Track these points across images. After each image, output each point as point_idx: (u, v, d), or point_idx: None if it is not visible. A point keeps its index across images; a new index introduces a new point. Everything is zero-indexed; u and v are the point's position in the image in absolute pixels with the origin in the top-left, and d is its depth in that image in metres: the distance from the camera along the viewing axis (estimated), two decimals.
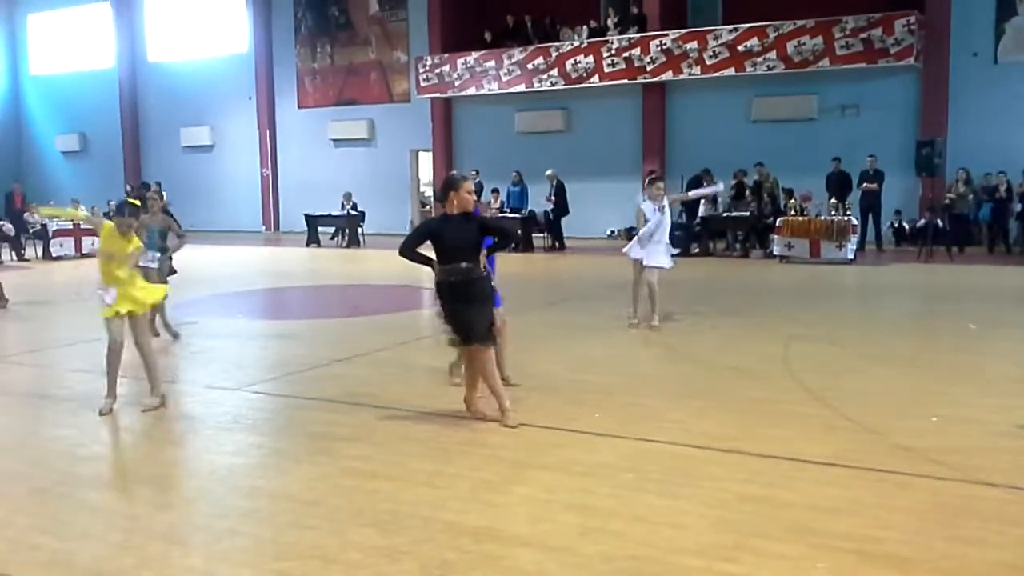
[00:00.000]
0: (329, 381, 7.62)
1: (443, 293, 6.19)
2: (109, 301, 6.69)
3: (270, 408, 6.93)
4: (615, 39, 21.59)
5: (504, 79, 22.81)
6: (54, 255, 19.71)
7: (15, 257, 19.80)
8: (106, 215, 18.89)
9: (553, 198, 20.17)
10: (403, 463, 5.35)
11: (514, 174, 20.78)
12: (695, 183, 19.68)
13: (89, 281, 12.93)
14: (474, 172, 21.46)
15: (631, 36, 21.52)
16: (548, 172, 20.23)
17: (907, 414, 6.26)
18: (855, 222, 16.71)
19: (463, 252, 6.07)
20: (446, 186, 6.27)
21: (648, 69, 21.10)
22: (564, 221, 20.45)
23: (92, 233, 20.96)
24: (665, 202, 9.76)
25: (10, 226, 19.26)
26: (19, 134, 32.02)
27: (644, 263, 9.86)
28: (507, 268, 12.28)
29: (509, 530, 4.31)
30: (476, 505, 4.64)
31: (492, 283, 6.45)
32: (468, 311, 6.10)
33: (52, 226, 19.96)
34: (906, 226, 19.08)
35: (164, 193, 17.41)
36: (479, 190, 21.07)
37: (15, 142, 31.79)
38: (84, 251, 19.53)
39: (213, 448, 6.03)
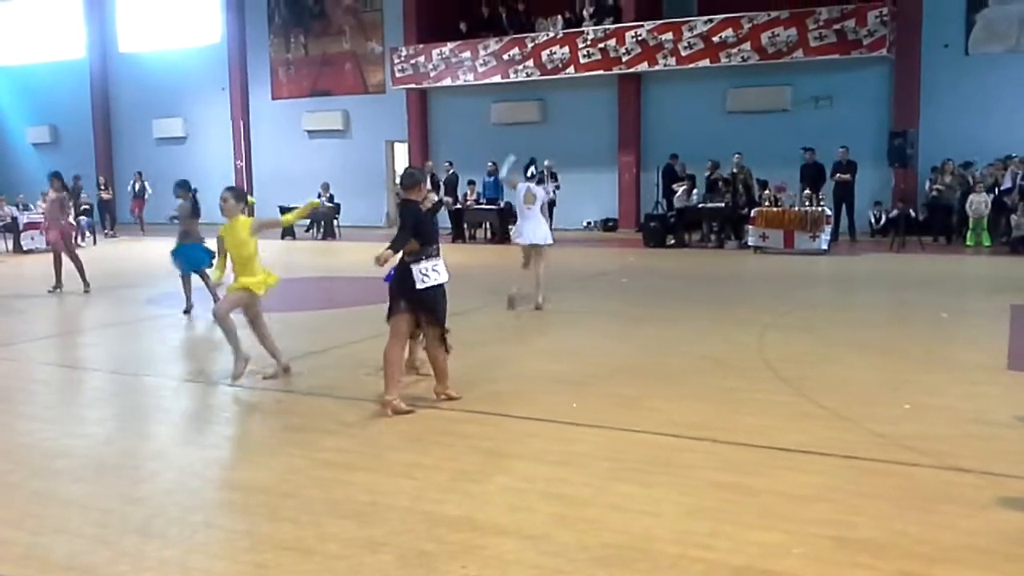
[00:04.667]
0: (304, 374, 7.58)
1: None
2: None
3: (245, 401, 6.90)
4: (590, 30, 21.58)
5: (480, 70, 22.74)
6: (25, 248, 19.48)
7: None
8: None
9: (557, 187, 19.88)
10: (380, 455, 5.34)
11: (490, 165, 20.71)
12: (668, 172, 19.79)
13: (64, 275, 12.81)
14: (447, 164, 21.42)
15: (606, 27, 21.51)
16: (547, 162, 19.93)
17: (880, 402, 6.32)
18: (829, 213, 16.83)
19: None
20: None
21: (623, 60, 21.11)
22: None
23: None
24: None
25: None
26: None
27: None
28: (481, 259, 12.30)
29: (487, 519, 4.32)
30: (454, 495, 4.64)
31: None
32: None
33: (23, 219, 19.73)
34: (871, 216, 19.21)
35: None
36: (454, 181, 21.02)
37: None
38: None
39: (188, 441, 6.00)
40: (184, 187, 10.96)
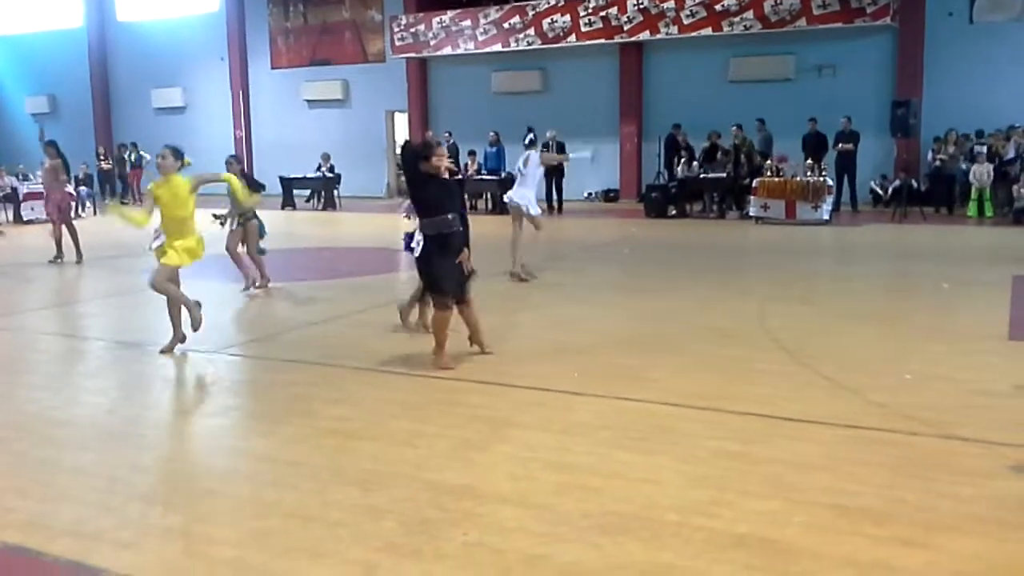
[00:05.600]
0: (307, 343, 7.60)
1: (435, 246, 6.43)
2: (154, 246, 7.10)
3: (248, 370, 6.92)
4: None
5: (480, 39, 22.58)
6: (25, 219, 19.45)
7: None
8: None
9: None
10: (383, 423, 5.37)
11: (491, 135, 20.64)
12: (671, 143, 19.73)
13: (64, 245, 12.81)
14: (447, 134, 21.31)
15: None
16: (550, 133, 19.94)
17: (881, 372, 6.33)
18: (831, 183, 16.78)
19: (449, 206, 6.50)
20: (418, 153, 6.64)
21: (625, 28, 20.97)
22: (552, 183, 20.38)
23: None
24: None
25: None
26: None
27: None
28: (482, 230, 12.35)
29: (489, 488, 4.34)
30: (456, 463, 4.66)
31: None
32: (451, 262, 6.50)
33: (23, 189, 19.70)
34: (873, 186, 19.14)
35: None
36: (454, 152, 20.92)
37: None
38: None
39: (191, 410, 6.03)
40: (237, 160, 10.55)
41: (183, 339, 7.16)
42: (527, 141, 10.84)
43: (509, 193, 10.89)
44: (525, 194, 10.55)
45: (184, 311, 7.11)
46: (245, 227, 10.12)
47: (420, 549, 3.71)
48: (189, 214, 7.04)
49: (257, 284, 10.20)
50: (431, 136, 21.01)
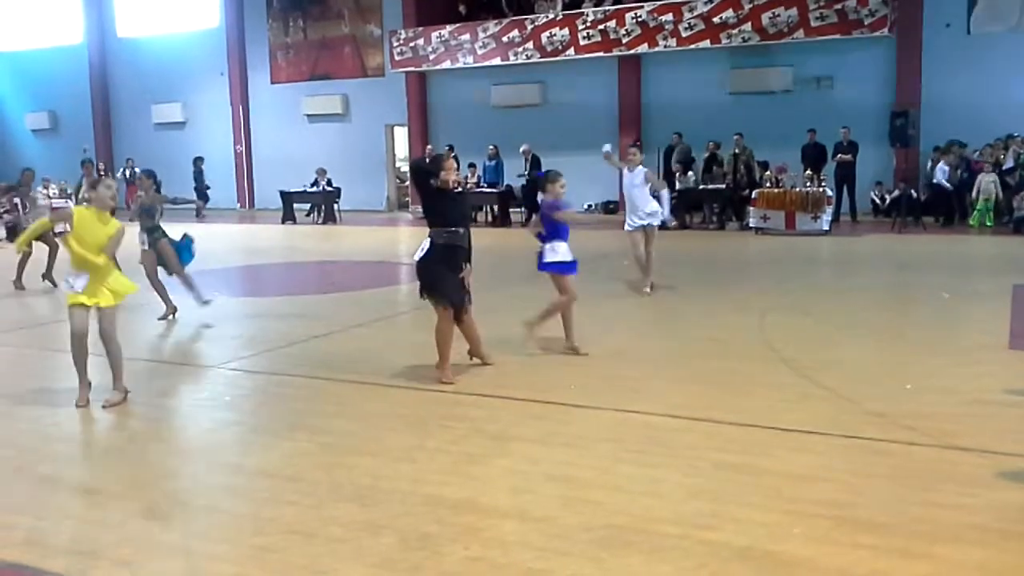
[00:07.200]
0: (307, 357, 7.60)
1: (440, 254, 6.52)
2: (78, 288, 6.04)
3: (248, 385, 6.91)
4: (590, 11, 21.46)
5: (479, 52, 22.63)
6: None
7: None
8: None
9: (527, 173, 20.18)
10: (382, 438, 5.36)
11: (491, 148, 20.69)
12: (669, 153, 19.79)
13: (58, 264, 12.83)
14: (448, 148, 21.36)
15: (606, 8, 21.40)
16: (523, 148, 20.19)
17: (881, 382, 6.33)
18: (830, 193, 16.79)
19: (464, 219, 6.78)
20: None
21: (624, 41, 21.00)
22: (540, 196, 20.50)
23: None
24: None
25: None
26: None
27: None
28: (483, 242, 12.35)
29: (489, 502, 4.33)
30: (456, 478, 4.65)
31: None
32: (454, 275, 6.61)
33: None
34: (874, 197, 19.14)
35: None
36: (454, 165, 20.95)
37: None
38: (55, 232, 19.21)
39: (190, 425, 6.02)
40: (148, 175, 9.56)
41: (89, 386, 6.29)
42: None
43: (630, 219, 10.52)
44: (652, 208, 10.32)
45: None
46: (156, 247, 9.19)
47: (420, 565, 3.70)
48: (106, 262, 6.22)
49: (170, 316, 9.38)
50: (430, 150, 21.07)
